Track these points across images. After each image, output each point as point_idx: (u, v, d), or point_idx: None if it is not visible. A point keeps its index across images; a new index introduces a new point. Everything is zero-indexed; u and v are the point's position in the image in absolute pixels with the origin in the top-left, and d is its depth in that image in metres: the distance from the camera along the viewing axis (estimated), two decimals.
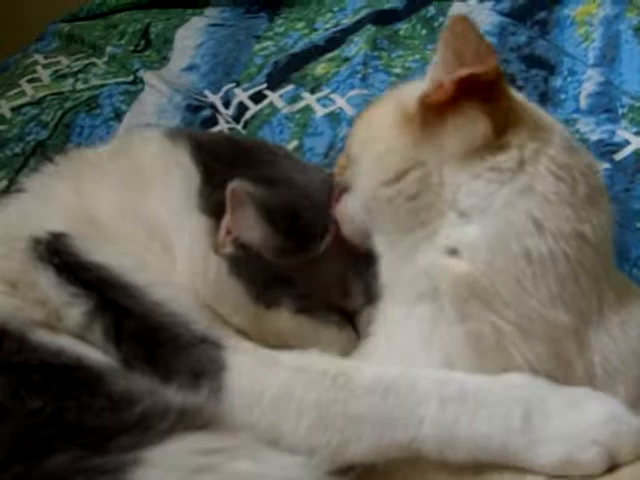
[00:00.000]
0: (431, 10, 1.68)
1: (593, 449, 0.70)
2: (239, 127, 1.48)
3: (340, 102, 1.43)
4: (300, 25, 1.75)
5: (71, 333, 0.78)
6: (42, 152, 1.41)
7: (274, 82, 1.56)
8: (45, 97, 1.58)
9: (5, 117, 1.53)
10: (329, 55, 1.61)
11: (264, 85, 1.56)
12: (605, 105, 1.33)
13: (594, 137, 1.26)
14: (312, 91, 1.50)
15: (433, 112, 0.79)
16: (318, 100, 1.47)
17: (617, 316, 0.77)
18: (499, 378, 0.74)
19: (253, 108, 1.51)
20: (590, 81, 1.38)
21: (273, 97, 1.51)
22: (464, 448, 0.71)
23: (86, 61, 1.75)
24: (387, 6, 1.71)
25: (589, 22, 1.50)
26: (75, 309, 0.79)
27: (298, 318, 0.84)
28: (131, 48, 1.81)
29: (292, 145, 1.36)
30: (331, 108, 1.43)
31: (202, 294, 0.84)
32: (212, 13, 1.88)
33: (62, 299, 0.80)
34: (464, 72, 0.77)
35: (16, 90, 1.63)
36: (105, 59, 1.76)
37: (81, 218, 0.87)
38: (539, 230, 0.75)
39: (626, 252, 1.09)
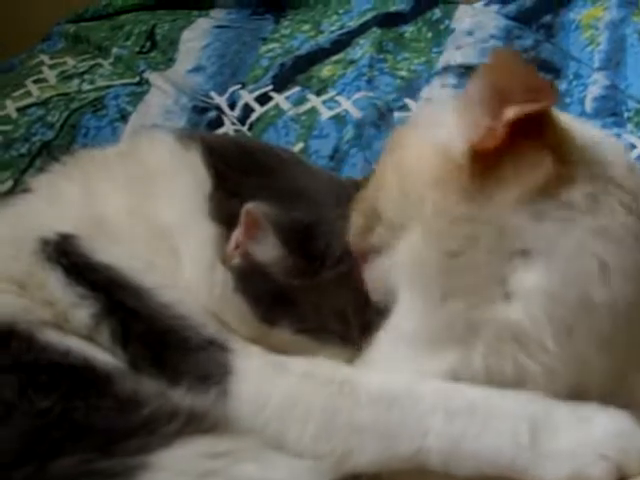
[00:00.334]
0: (437, 13, 1.68)
1: (601, 464, 0.68)
2: (244, 129, 1.49)
3: (346, 104, 1.44)
4: (306, 27, 1.75)
5: (79, 334, 0.78)
6: (48, 153, 1.42)
7: (280, 84, 1.56)
8: (51, 98, 1.58)
9: (11, 117, 1.54)
10: (335, 57, 1.61)
11: (270, 87, 1.56)
12: (611, 109, 1.33)
13: None
14: (318, 93, 1.50)
15: (485, 160, 0.72)
16: (324, 102, 1.47)
17: None
18: (507, 392, 0.72)
19: (259, 110, 1.51)
20: (596, 85, 1.38)
21: (279, 99, 1.52)
22: (470, 462, 0.70)
23: (92, 62, 1.75)
24: (393, 9, 1.72)
25: (595, 26, 1.50)
26: (83, 310, 0.79)
27: (300, 338, 0.82)
28: (137, 49, 1.81)
29: (297, 147, 1.37)
30: (337, 110, 1.44)
31: (207, 304, 0.83)
32: (218, 15, 1.89)
33: (70, 300, 0.79)
34: (516, 112, 0.69)
35: (22, 90, 1.63)
36: (111, 60, 1.76)
37: (89, 219, 0.87)
38: (605, 275, 0.69)
39: None
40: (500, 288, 0.71)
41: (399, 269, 0.77)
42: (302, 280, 0.82)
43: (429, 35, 1.63)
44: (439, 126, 0.78)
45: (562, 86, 1.42)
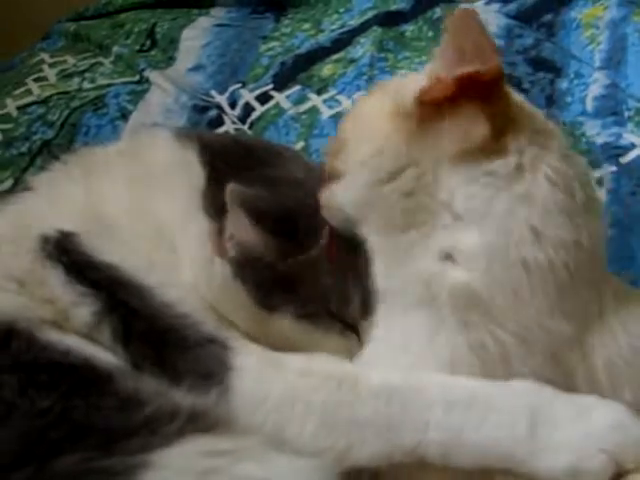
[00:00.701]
0: (437, 12, 1.68)
1: (599, 457, 0.69)
2: (245, 128, 1.48)
3: (346, 103, 1.44)
4: (306, 26, 1.75)
5: (79, 333, 0.78)
6: (48, 151, 1.42)
7: (280, 83, 1.56)
8: (51, 96, 1.59)
9: (11, 116, 1.54)
10: (335, 56, 1.61)
11: (270, 86, 1.56)
12: (611, 108, 1.33)
13: (600, 140, 1.27)
14: (318, 92, 1.50)
15: (431, 109, 0.77)
16: (324, 101, 1.47)
17: (618, 320, 0.77)
18: (506, 385, 0.73)
19: (259, 109, 1.51)
20: (596, 84, 1.38)
21: (279, 98, 1.52)
22: (469, 454, 0.71)
23: (92, 60, 1.75)
24: (393, 7, 1.71)
25: (595, 25, 1.50)
26: (83, 309, 0.79)
27: (300, 324, 0.83)
28: (137, 48, 1.81)
29: (298, 146, 1.37)
30: (337, 109, 1.44)
31: (207, 298, 0.83)
32: (218, 13, 1.88)
33: (70, 298, 0.80)
34: (465, 70, 0.75)
35: (22, 89, 1.63)
36: (111, 59, 1.76)
37: (90, 217, 0.87)
38: (537, 239, 0.74)
39: (633, 255, 1.09)
40: (439, 242, 0.76)
41: (347, 194, 0.82)
42: (292, 260, 0.82)
43: (430, 34, 1.63)
44: (404, 80, 0.87)
45: (563, 85, 1.42)
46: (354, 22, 1.70)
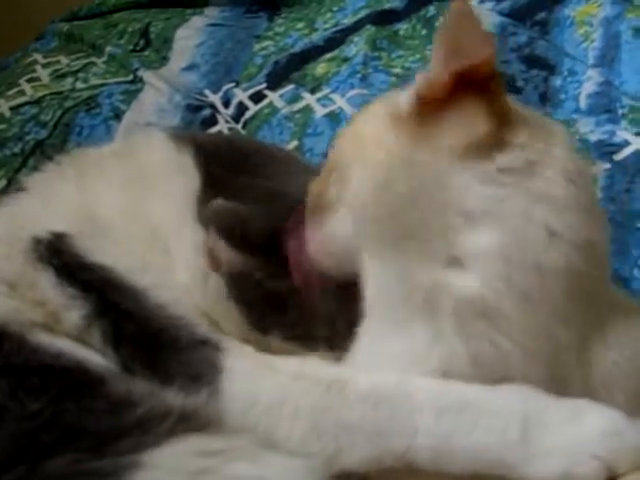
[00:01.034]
0: (431, 10, 1.67)
1: (592, 463, 0.67)
2: (239, 127, 1.48)
3: (340, 102, 1.43)
4: (300, 25, 1.75)
5: (70, 335, 0.78)
6: (41, 152, 1.42)
7: (274, 82, 1.56)
8: (44, 96, 1.58)
9: (4, 116, 1.54)
10: (329, 55, 1.60)
11: (264, 85, 1.56)
12: (605, 105, 1.33)
13: (594, 137, 1.26)
14: (312, 91, 1.50)
15: (429, 109, 0.75)
16: (318, 100, 1.47)
17: (614, 327, 0.75)
18: (497, 389, 0.72)
19: (253, 108, 1.51)
20: (590, 81, 1.38)
21: (273, 97, 1.52)
22: (460, 459, 0.70)
23: (85, 60, 1.75)
24: (387, 6, 1.71)
25: (589, 22, 1.49)
26: (74, 312, 0.79)
27: (289, 346, 0.82)
28: (131, 47, 1.81)
29: (292, 145, 1.37)
30: (331, 108, 1.43)
31: (201, 305, 0.83)
32: (212, 13, 1.88)
33: (61, 301, 0.79)
34: (460, 64, 0.72)
35: (15, 89, 1.63)
36: (105, 58, 1.76)
37: (83, 218, 0.87)
38: (553, 240, 0.71)
39: (626, 252, 1.09)
40: (448, 248, 0.72)
41: (346, 222, 0.78)
42: (275, 282, 0.82)
43: (423, 32, 1.62)
44: (389, 96, 0.83)
45: (557, 82, 1.41)
46: (348, 21, 1.70)
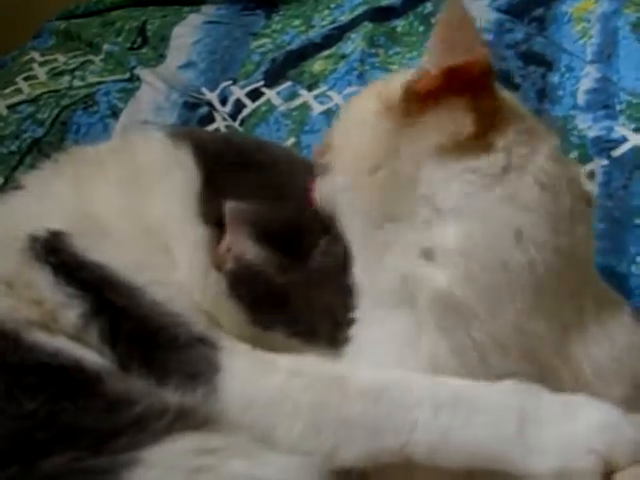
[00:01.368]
0: (428, 7, 1.67)
1: (588, 458, 0.68)
2: (236, 125, 1.48)
3: (337, 99, 1.43)
4: (297, 22, 1.74)
5: (67, 334, 0.78)
6: (38, 150, 1.42)
7: (271, 79, 1.56)
8: (41, 95, 1.58)
9: (1, 115, 1.54)
10: (326, 52, 1.60)
11: (261, 82, 1.56)
12: (603, 101, 1.32)
13: (592, 134, 1.26)
14: (309, 88, 1.50)
15: (417, 101, 0.77)
16: (315, 97, 1.47)
17: (600, 324, 0.76)
18: (493, 385, 0.72)
19: (250, 105, 1.50)
20: (588, 77, 1.37)
21: (270, 94, 1.51)
22: (457, 455, 0.70)
23: (83, 59, 1.75)
24: (384, 3, 1.70)
25: (587, 18, 1.49)
26: (71, 310, 0.78)
27: (291, 342, 0.82)
28: (128, 45, 1.81)
29: (289, 142, 1.36)
30: (328, 105, 1.43)
31: (200, 303, 0.83)
32: (209, 10, 1.88)
33: (58, 299, 0.79)
34: (452, 62, 0.74)
35: (12, 88, 1.63)
36: (102, 56, 1.76)
37: (80, 216, 0.86)
38: (518, 240, 0.73)
39: (624, 249, 1.09)
40: (419, 238, 0.75)
41: (332, 187, 0.82)
42: (288, 277, 0.82)
43: (421, 29, 1.62)
44: (394, 78, 0.85)
45: (554, 79, 1.41)
46: (345, 18, 1.69)
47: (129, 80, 1.63)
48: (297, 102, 1.47)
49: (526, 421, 0.70)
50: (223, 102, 1.55)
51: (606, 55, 1.40)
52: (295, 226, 0.84)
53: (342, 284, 0.81)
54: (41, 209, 0.88)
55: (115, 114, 1.51)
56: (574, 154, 1.22)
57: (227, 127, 1.47)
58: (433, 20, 1.62)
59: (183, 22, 1.83)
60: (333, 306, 0.82)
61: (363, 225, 0.79)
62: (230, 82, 1.59)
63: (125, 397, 0.69)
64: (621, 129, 1.25)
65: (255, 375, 0.76)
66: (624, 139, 1.24)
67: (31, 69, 1.72)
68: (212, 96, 1.57)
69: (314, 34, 1.67)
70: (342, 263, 0.82)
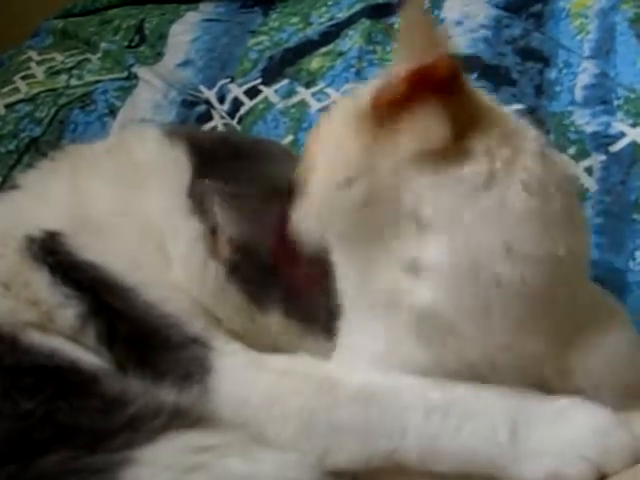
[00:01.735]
0: (426, 3, 1.66)
1: (580, 464, 0.67)
2: (234, 122, 1.48)
3: (335, 96, 1.43)
4: (295, 20, 1.74)
5: (64, 335, 0.78)
6: (36, 149, 1.42)
7: (269, 77, 1.55)
8: (39, 93, 1.58)
9: None
10: (324, 49, 1.60)
11: (259, 80, 1.55)
12: (601, 97, 1.32)
13: (590, 129, 1.26)
14: (307, 85, 1.49)
15: (385, 112, 0.71)
16: (313, 94, 1.46)
17: (596, 331, 0.74)
18: (486, 388, 0.71)
19: (248, 103, 1.50)
20: (585, 73, 1.37)
21: (268, 92, 1.51)
22: (448, 460, 0.70)
23: (80, 57, 1.75)
24: (382, 0, 1.70)
25: (584, 14, 1.49)
26: (68, 311, 0.78)
27: (288, 322, 0.82)
28: (125, 44, 1.81)
29: (287, 140, 1.36)
30: (326, 102, 1.43)
31: (200, 300, 0.83)
32: (206, 8, 1.87)
33: (55, 300, 0.79)
34: (410, 67, 0.69)
35: (10, 87, 1.63)
36: (99, 55, 1.76)
37: (77, 216, 0.86)
38: (510, 254, 0.68)
39: (622, 244, 1.09)
40: (403, 253, 0.71)
41: (308, 209, 0.78)
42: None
43: None
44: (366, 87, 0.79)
45: (552, 75, 1.41)
46: (342, 15, 1.69)
47: (127, 78, 1.63)
48: (295, 100, 1.47)
49: (518, 426, 0.69)
50: (221, 100, 1.55)
51: (604, 51, 1.40)
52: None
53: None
54: (38, 209, 0.88)
55: (113, 112, 1.51)
56: (572, 150, 1.22)
57: (225, 125, 1.47)
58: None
59: (181, 20, 1.83)
60: (328, 299, 0.80)
61: (344, 241, 0.75)
62: (228, 80, 1.59)
63: (121, 397, 0.69)
64: (619, 124, 1.25)
65: (247, 376, 0.76)
66: (622, 134, 1.23)
67: (29, 68, 1.72)
68: (210, 94, 1.56)
69: (311, 31, 1.67)
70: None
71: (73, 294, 0.79)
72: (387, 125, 0.72)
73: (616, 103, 1.30)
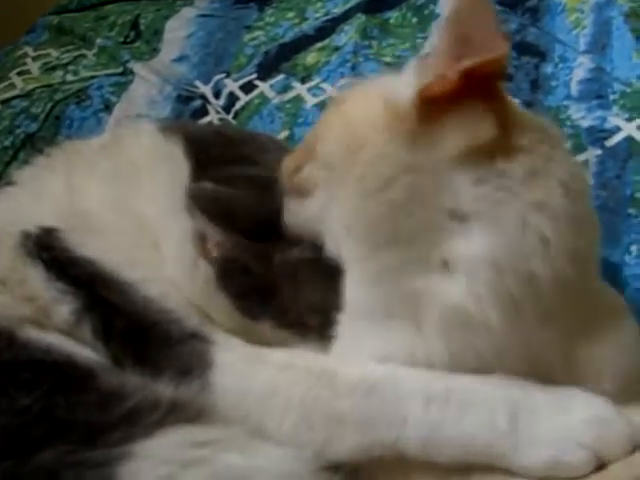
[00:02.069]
0: None
1: (579, 452, 0.68)
2: (229, 117, 1.48)
3: (330, 91, 1.43)
4: (290, 15, 1.74)
5: (60, 330, 0.78)
6: (32, 145, 1.41)
7: (264, 72, 1.55)
8: (34, 89, 1.58)
9: None
10: (319, 44, 1.59)
11: (254, 75, 1.55)
12: (596, 92, 1.32)
13: (585, 124, 1.26)
14: (302, 81, 1.49)
15: (432, 107, 0.70)
16: (309, 90, 1.46)
17: (600, 323, 0.75)
18: (485, 379, 0.72)
19: (243, 98, 1.50)
20: (581, 68, 1.37)
21: (263, 87, 1.51)
22: (449, 449, 0.70)
23: (76, 53, 1.74)
24: None
25: (580, 9, 1.49)
26: (64, 306, 0.79)
27: (280, 333, 0.82)
28: (121, 39, 1.80)
29: (283, 135, 1.36)
30: (321, 97, 1.43)
31: (191, 297, 0.83)
32: (202, 4, 1.87)
33: (51, 296, 0.79)
34: (472, 61, 0.67)
35: (5, 83, 1.63)
36: (95, 51, 1.75)
37: (72, 212, 0.86)
38: (546, 250, 0.69)
39: (617, 239, 1.09)
40: (438, 252, 0.71)
41: (336, 219, 0.76)
42: (266, 265, 0.81)
43: (414, 20, 1.61)
44: (389, 82, 0.78)
45: (547, 69, 1.41)
46: (338, 10, 1.69)
47: (122, 74, 1.63)
48: (290, 95, 1.47)
49: (517, 415, 0.70)
50: (216, 95, 1.54)
51: (600, 45, 1.40)
52: (276, 215, 0.82)
53: (327, 280, 0.80)
54: (33, 206, 0.88)
55: (108, 108, 1.51)
56: (568, 144, 1.21)
57: (220, 120, 1.47)
58: (426, 11, 1.62)
59: (176, 15, 1.82)
60: (322, 300, 0.81)
61: (361, 245, 0.74)
62: (223, 75, 1.58)
63: (118, 391, 0.69)
64: (615, 119, 1.25)
65: (246, 370, 0.76)
66: (618, 129, 1.24)
67: (24, 64, 1.71)
68: (205, 89, 1.56)
69: (307, 26, 1.66)
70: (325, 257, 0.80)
71: (68, 290, 0.79)
72: (432, 122, 0.71)
73: (612, 97, 1.30)
